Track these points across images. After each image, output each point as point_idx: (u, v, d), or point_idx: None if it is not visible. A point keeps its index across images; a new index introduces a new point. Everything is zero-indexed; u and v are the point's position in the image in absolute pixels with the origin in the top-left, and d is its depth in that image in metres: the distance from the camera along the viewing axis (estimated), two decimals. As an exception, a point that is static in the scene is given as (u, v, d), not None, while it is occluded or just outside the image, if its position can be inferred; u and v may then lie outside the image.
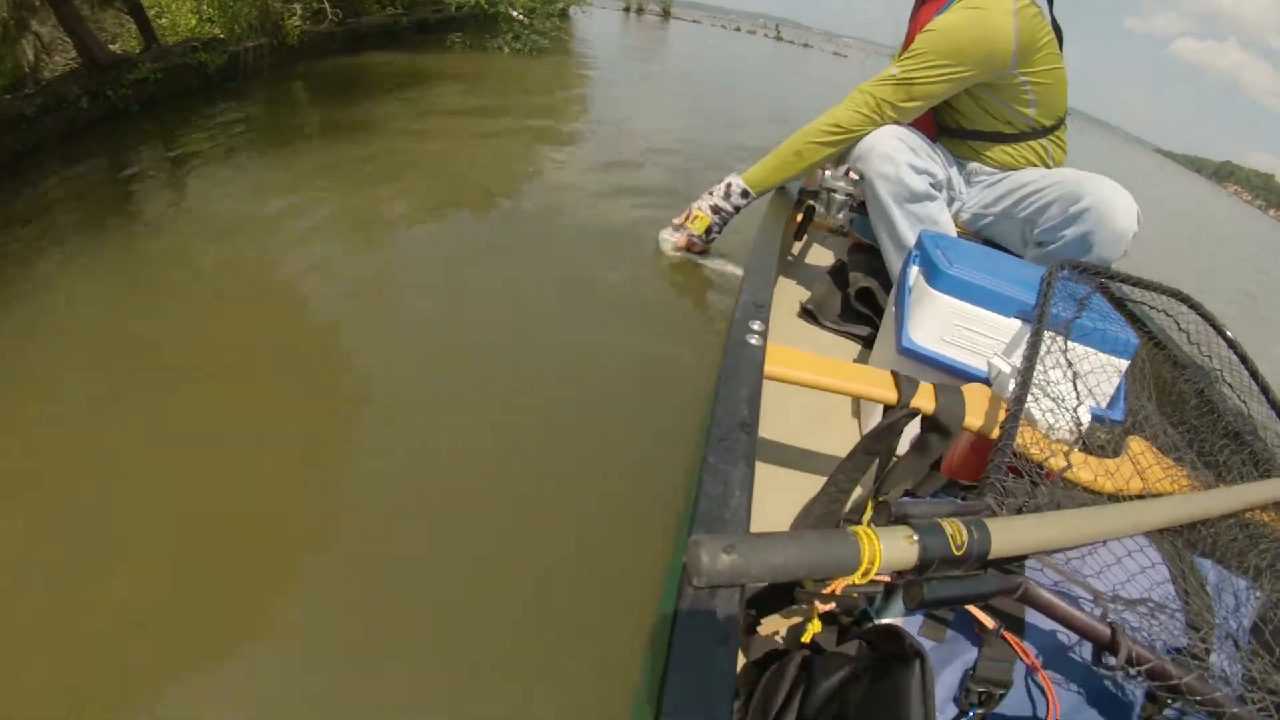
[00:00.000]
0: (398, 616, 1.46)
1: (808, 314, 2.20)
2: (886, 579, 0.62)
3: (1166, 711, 0.82)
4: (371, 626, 1.44)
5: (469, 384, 2.16)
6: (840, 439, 1.68)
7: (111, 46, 5.28)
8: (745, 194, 2.12)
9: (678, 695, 0.52)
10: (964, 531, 0.64)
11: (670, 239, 2.58)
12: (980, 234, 2.06)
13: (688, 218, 2.41)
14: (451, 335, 2.41)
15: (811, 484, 1.56)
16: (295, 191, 3.61)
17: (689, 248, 2.39)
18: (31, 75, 4.88)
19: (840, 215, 2.28)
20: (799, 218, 2.39)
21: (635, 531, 1.64)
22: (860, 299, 2.10)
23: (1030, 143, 1.94)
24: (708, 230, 2.10)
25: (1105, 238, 1.64)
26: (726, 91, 9.63)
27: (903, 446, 1.20)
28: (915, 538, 0.61)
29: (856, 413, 1.79)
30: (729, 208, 2.16)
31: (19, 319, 2.41)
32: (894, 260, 1.95)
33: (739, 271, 2.80)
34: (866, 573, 0.58)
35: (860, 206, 2.21)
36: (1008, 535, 0.68)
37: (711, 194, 2.27)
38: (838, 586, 0.61)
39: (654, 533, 1.62)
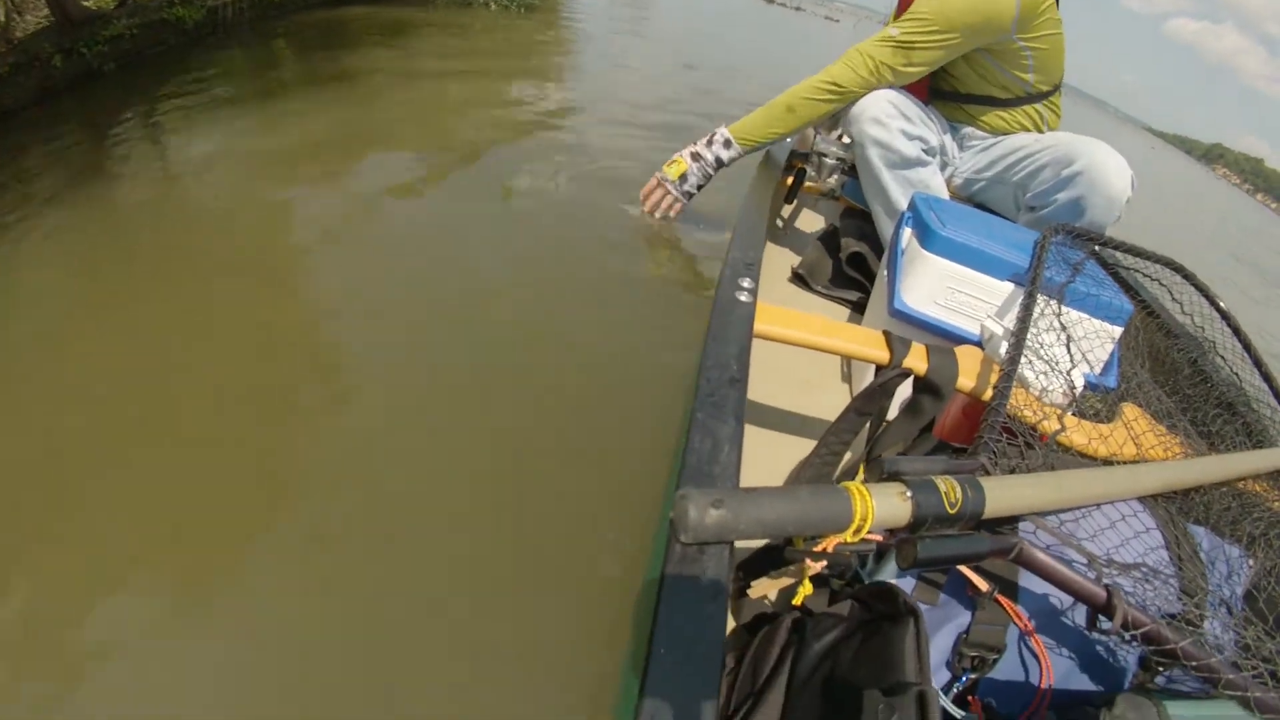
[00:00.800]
0: (374, 573, 1.43)
1: (798, 278, 2.17)
2: (879, 538, 0.60)
3: (1158, 679, 0.81)
4: (349, 581, 1.41)
5: (447, 341, 2.12)
6: (829, 403, 1.66)
7: (85, 3, 5.14)
8: (728, 144, 1.94)
9: (665, 658, 0.49)
10: (958, 489, 0.62)
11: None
12: (973, 199, 2.03)
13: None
14: (433, 290, 2.37)
15: (800, 448, 1.54)
16: (277, 147, 3.54)
17: (659, 200, 2.14)
18: (1, 35, 4.77)
19: (832, 179, 2.25)
20: (789, 182, 2.34)
21: (621, 494, 1.63)
22: (852, 263, 2.07)
23: (1025, 108, 1.91)
24: (683, 177, 1.92)
25: (1098, 202, 1.61)
26: (717, 53, 9.52)
27: (894, 411, 1.18)
28: (908, 494, 0.59)
29: (847, 377, 1.77)
30: (710, 157, 1.99)
31: None
32: (885, 225, 1.92)
33: (723, 237, 2.78)
34: (858, 530, 0.56)
35: (852, 170, 2.18)
36: (1003, 494, 0.66)
37: (695, 143, 2.12)
38: (829, 545, 0.58)
39: (640, 495, 1.61)
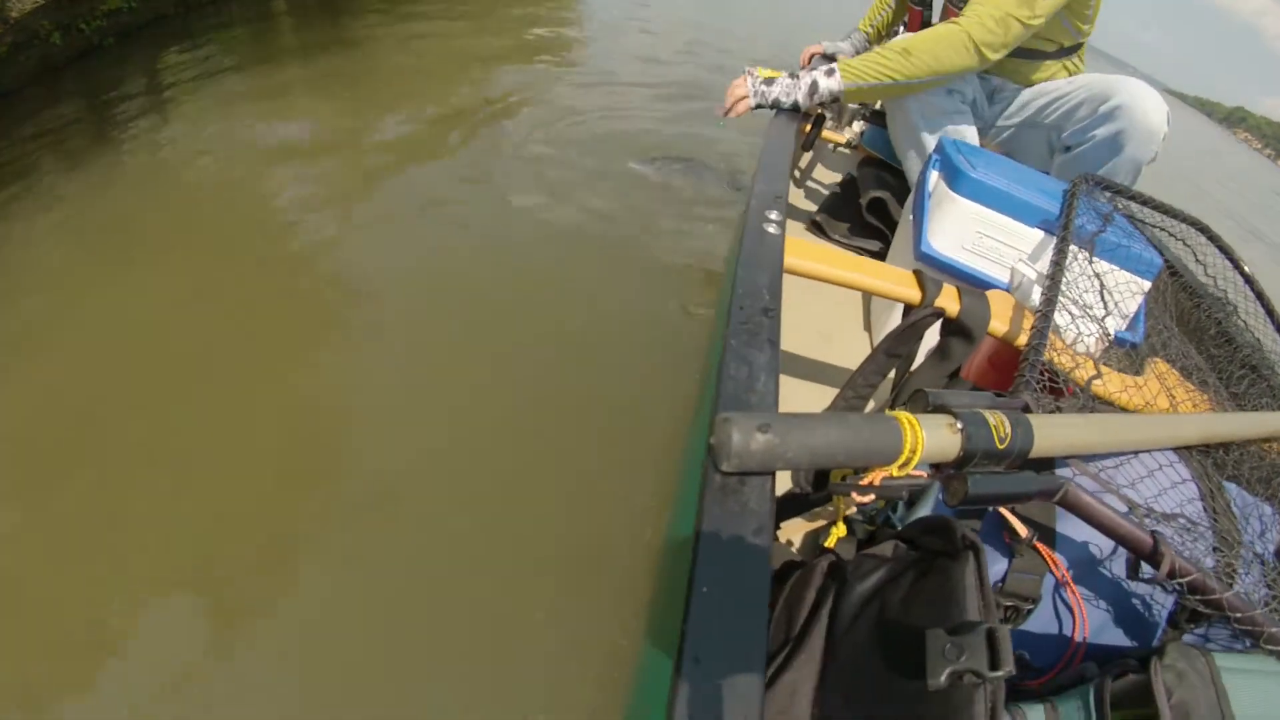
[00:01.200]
0: (393, 542, 1.44)
1: (816, 227, 2.13)
2: (924, 474, 0.56)
3: (1186, 637, 0.79)
4: (377, 555, 1.42)
5: (455, 308, 2.11)
6: (850, 350, 1.64)
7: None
8: (831, 72, 1.61)
9: (708, 596, 0.46)
10: (1007, 424, 0.58)
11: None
12: (1001, 148, 1.98)
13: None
14: (440, 258, 2.35)
15: (820, 394, 1.51)
16: (281, 117, 3.50)
17: (735, 95, 1.71)
18: (1, 15, 4.69)
19: (853, 127, 2.19)
20: (807, 128, 2.29)
21: (638, 444, 1.63)
22: (872, 210, 2.04)
23: (1063, 60, 1.87)
24: (769, 81, 1.69)
25: (1138, 136, 1.56)
26: (723, 16, 9.40)
27: (919, 356, 1.14)
28: (959, 426, 0.55)
29: (868, 325, 1.74)
30: (807, 78, 1.64)
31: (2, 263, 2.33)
32: (913, 176, 1.87)
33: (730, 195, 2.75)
34: (907, 463, 0.52)
35: (873, 118, 2.13)
36: (1051, 432, 0.63)
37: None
38: (875, 478, 0.55)
39: (658, 446, 1.60)
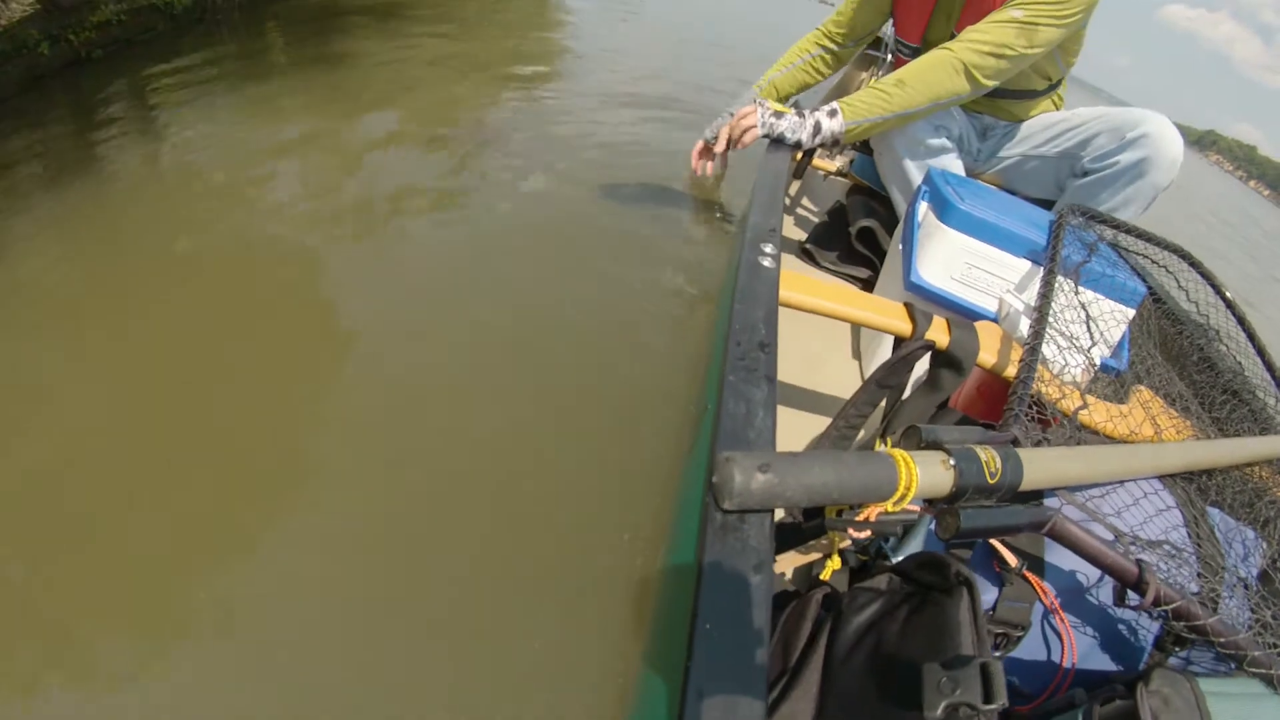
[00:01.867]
0: (393, 567, 1.43)
1: (806, 254, 2.15)
2: (917, 509, 0.58)
3: (1172, 659, 0.80)
4: (366, 579, 1.41)
5: (453, 323, 2.11)
6: (839, 378, 1.66)
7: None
8: (833, 113, 1.64)
9: (711, 634, 0.47)
10: (997, 459, 0.60)
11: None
12: (999, 178, 2.01)
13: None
14: (434, 281, 2.35)
15: (810, 422, 1.53)
16: (269, 133, 3.49)
17: (746, 123, 1.71)
18: None
19: (842, 155, 2.22)
20: (799, 156, 2.32)
21: (633, 476, 1.62)
22: (861, 239, 2.06)
23: (1050, 94, 1.90)
24: (779, 115, 1.67)
25: (1161, 163, 1.63)
26: (711, 31, 9.47)
27: (909, 386, 1.16)
28: (952, 463, 0.57)
29: (857, 352, 1.75)
30: (811, 119, 1.66)
31: None
32: (903, 208, 1.89)
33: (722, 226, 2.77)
34: (901, 499, 0.54)
35: (863, 147, 2.15)
36: (1040, 466, 0.65)
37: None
38: (871, 514, 0.56)
39: (652, 479, 1.60)
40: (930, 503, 0.59)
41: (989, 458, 0.60)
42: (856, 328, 1.85)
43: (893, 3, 1.95)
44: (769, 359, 0.70)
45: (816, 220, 2.32)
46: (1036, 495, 0.74)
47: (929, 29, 1.86)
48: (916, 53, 1.90)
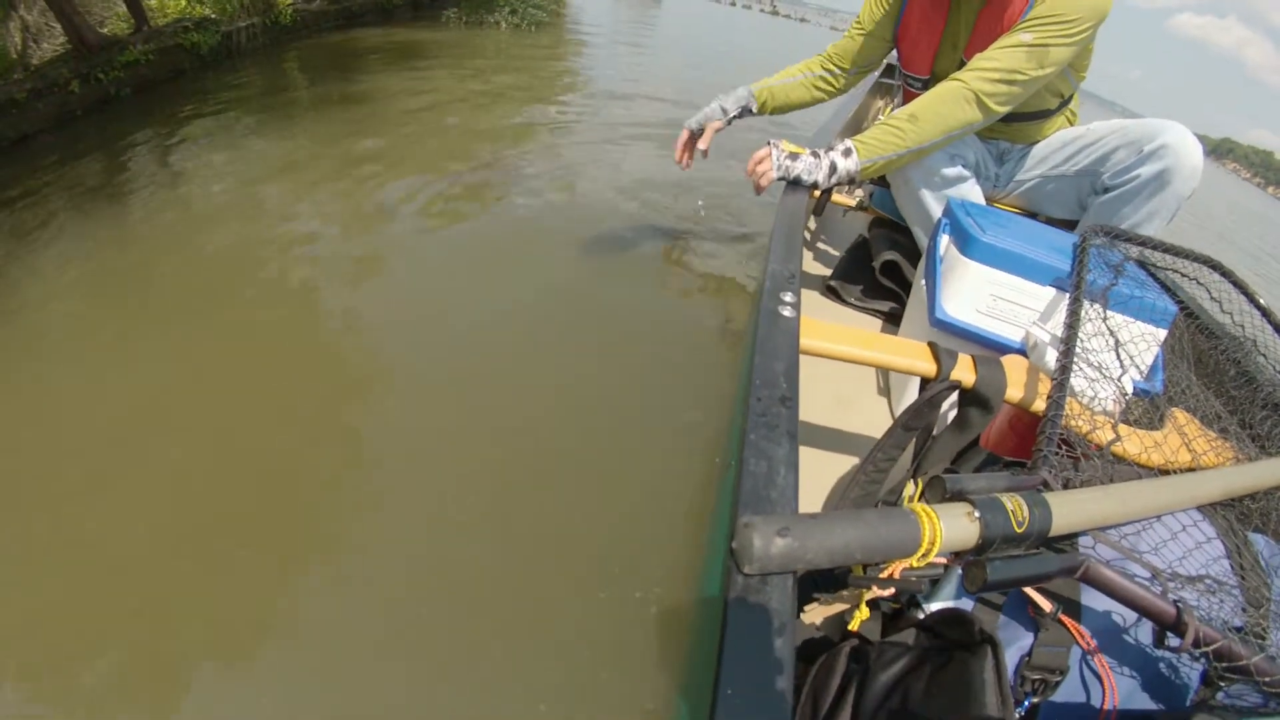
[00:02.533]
0: (410, 611, 1.43)
1: (831, 291, 2.15)
2: (944, 561, 0.58)
3: (1219, 695, 0.78)
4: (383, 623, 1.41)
5: (472, 363, 2.12)
6: (867, 419, 1.64)
7: (101, 29, 5.22)
8: (848, 152, 1.64)
9: (732, 699, 0.47)
10: (1024, 507, 0.60)
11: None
12: (1020, 201, 1.99)
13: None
14: (456, 312, 2.37)
15: (839, 464, 1.51)
16: (292, 170, 3.56)
17: (763, 166, 1.71)
18: (20, 62, 4.84)
19: (861, 189, 2.22)
20: (817, 194, 2.31)
21: (665, 517, 1.62)
22: (885, 273, 2.05)
23: (1064, 111, 1.89)
24: (794, 156, 1.66)
25: (1183, 173, 1.61)
26: (721, 61, 9.53)
27: (939, 423, 1.15)
28: (976, 514, 0.57)
29: (884, 390, 1.74)
30: (826, 160, 1.66)
31: (13, 307, 2.39)
32: (923, 241, 1.88)
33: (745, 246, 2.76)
34: (926, 554, 0.54)
35: (880, 180, 2.15)
36: (1068, 510, 0.64)
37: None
38: (895, 570, 0.56)
39: (686, 517, 1.60)
40: (957, 555, 0.59)
41: (1015, 506, 0.59)
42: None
43: (896, 37, 1.95)
44: (790, 414, 0.70)
45: (839, 256, 2.31)
46: (1069, 537, 0.73)
47: (937, 60, 1.85)
48: (926, 84, 1.90)
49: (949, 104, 1.59)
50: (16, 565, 1.52)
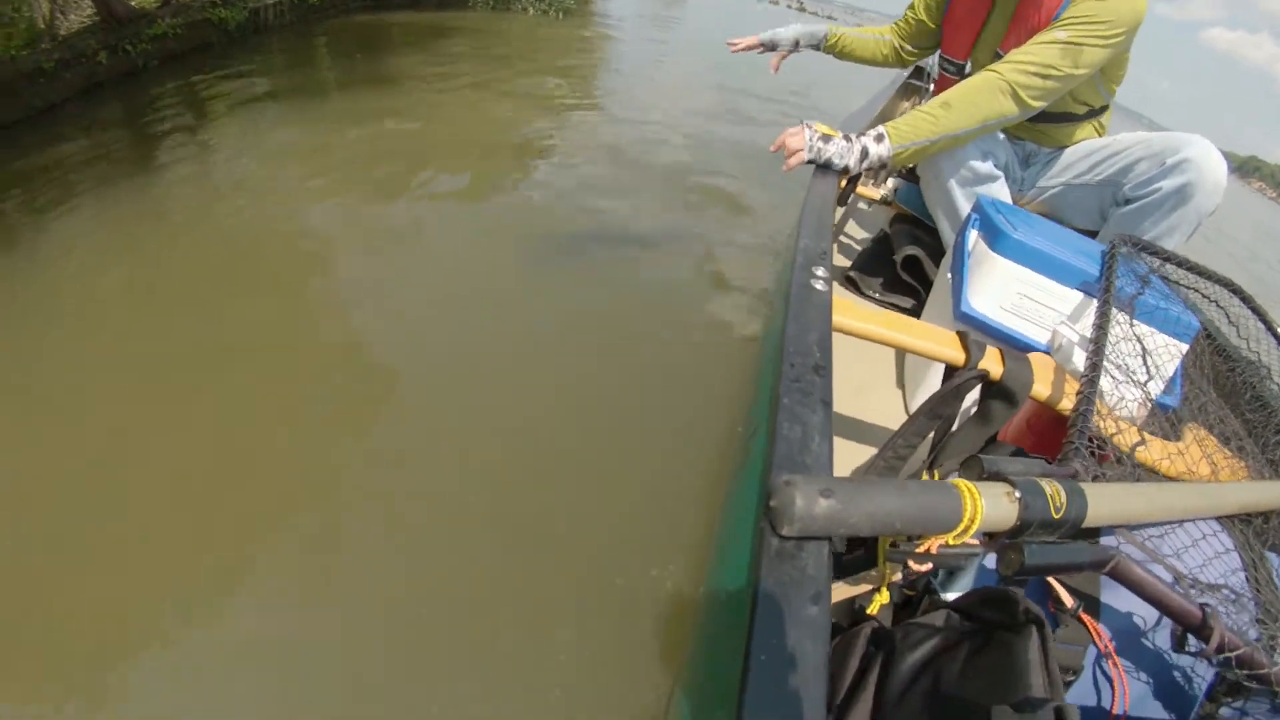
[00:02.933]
0: (430, 581, 1.45)
1: (850, 283, 2.14)
2: (977, 543, 0.56)
3: (1223, 710, 0.77)
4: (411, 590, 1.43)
5: (491, 341, 2.12)
6: (884, 406, 1.64)
7: (129, 2, 5.22)
8: (880, 138, 1.61)
9: (765, 666, 0.45)
10: (1062, 493, 0.58)
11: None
12: (1043, 207, 1.98)
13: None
14: (476, 295, 2.37)
15: (856, 453, 1.50)
16: (314, 147, 3.57)
17: (793, 144, 1.66)
18: (48, 32, 4.83)
19: (887, 183, 2.20)
20: (843, 183, 2.30)
21: (681, 488, 1.65)
22: (906, 268, 2.04)
23: (1093, 120, 1.87)
24: (826, 139, 1.63)
25: (1205, 188, 1.59)
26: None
27: (957, 418, 1.14)
28: (1017, 495, 0.55)
29: (901, 381, 1.73)
30: (859, 144, 1.62)
31: (38, 275, 2.39)
32: (949, 236, 1.87)
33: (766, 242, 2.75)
34: (965, 531, 0.52)
35: (908, 175, 2.14)
36: (1103, 502, 0.62)
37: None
38: (932, 545, 0.54)
39: (692, 499, 1.61)
40: (991, 537, 0.57)
41: (1054, 491, 0.57)
42: (901, 356, 1.83)
43: (943, 19, 1.97)
44: (824, 383, 0.68)
45: (860, 248, 2.30)
46: (1094, 533, 0.71)
47: (975, 46, 1.87)
48: (960, 69, 1.92)
49: (984, 93, 1.57)
50: (55, 495, 1.59)
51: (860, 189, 2.31)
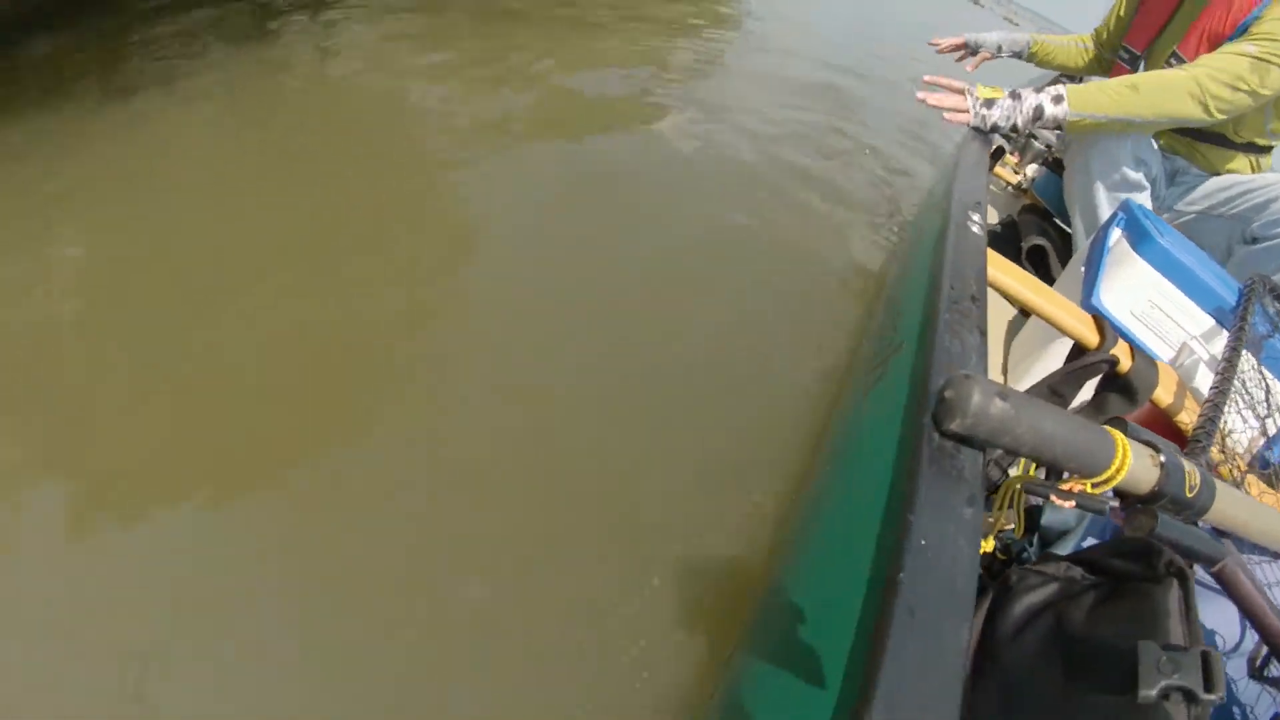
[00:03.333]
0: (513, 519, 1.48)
1: None
2: (1110, 500, 0.55)
3: None
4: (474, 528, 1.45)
5: (575, 282, 2.15)
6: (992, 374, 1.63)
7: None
8: (1059, 99, 1.53)
9: (921, 555, 0.45)
10: (1197, 476, 0.57)
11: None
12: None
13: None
14: (571, 227, 2.38)
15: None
16: (434, 58, 3.56)
17: (953, 101, 1.61)
18: None
19: (1029, 169, 2.18)
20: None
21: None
22: (1031, 257, 2.01)
23: (1249, 156, 1.80)
24: (989, 102, 1.56)
25: None
26: (882, 23, 9.22)
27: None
28: (1161, 459, 0.54)
29: (1006, 355, 1.71)
30: (1031, 102, 1.55)
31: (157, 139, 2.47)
32: (1080, 234, 1.82)
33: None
34: (1108, 480, 0.51)
35: (1051, 165, 2.10)
36: (1228, 501, 0.61)
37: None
38: (1075, 485, 0.54)
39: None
40: (1122, 498, 0.56)
41: (1190, 470, 0.56)
42: (1016, 326, 1.80)
43: (1137, 8, 1.93)
44: (980, 313, 0.67)
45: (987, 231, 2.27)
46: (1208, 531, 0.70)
47: (1155, 41, 1.82)
48: (1135, 59, 1.89)
49: (1172, 90, 1.50)
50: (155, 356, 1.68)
51: (998, 170, 2.28)
